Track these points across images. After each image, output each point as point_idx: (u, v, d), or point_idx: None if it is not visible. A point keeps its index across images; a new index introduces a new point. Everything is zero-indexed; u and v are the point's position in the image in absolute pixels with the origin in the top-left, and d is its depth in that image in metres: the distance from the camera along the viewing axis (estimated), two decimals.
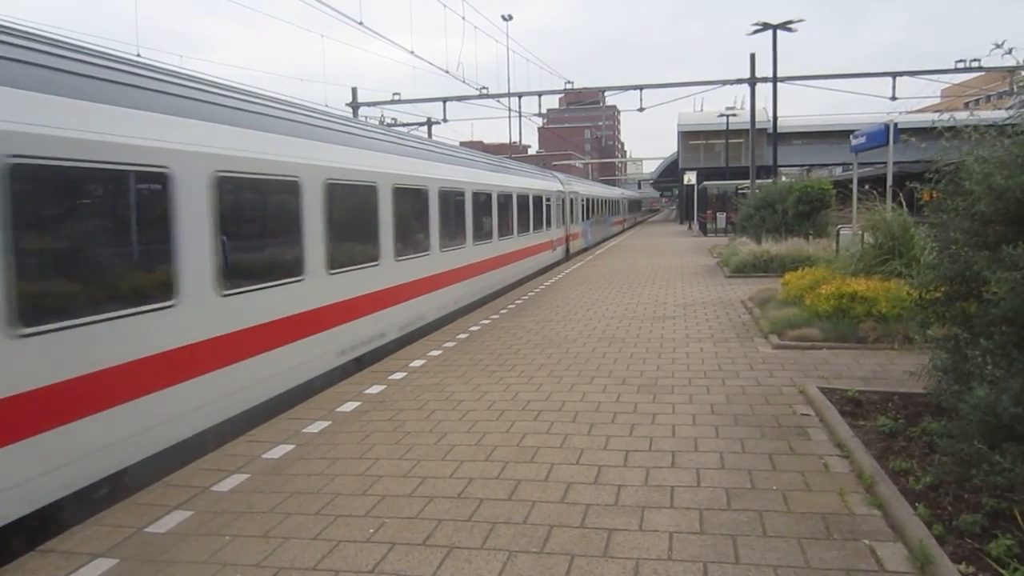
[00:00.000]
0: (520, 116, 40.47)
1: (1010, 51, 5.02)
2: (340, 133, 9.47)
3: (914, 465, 4.81)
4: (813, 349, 9.06)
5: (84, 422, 4.96)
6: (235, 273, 6.60)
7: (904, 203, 12.04)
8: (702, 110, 58.04)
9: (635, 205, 71.69)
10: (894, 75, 29.74)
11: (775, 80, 27.77)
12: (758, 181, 29.21)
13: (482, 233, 15.19)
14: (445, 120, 33.93)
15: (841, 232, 15.63)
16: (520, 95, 34.69)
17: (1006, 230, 4.62)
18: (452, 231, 13.11)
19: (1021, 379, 4.12)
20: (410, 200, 11.08)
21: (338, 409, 7.05)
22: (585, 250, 30.45)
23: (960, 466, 4.31)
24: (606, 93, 36.23)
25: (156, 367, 5.65)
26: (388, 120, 32.62)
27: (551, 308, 13.58)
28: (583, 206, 30.59)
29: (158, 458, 5.57)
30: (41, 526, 4.61)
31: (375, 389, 7.79)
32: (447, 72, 28.27)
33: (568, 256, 26.52)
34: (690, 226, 50.45)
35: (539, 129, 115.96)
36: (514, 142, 53.54)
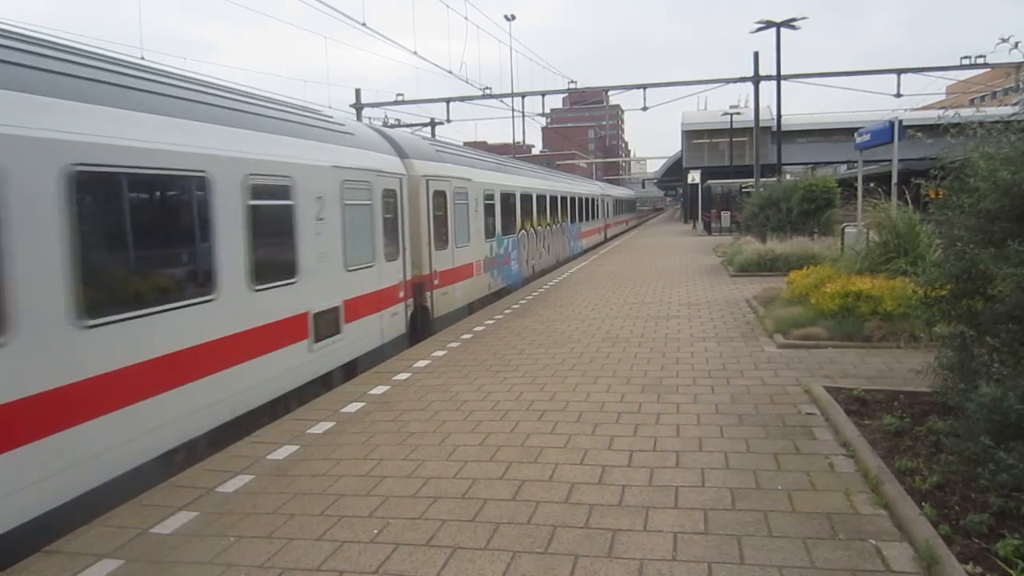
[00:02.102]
0: (523, 116, 40.51)
1: (1016, 45, 5.00)
2: None
3: (920, 464, 4.78)
4: (818, 348, 9.03)
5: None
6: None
7: (909, 200, 11.99)
8: (706, 109, 58.05)
9: (626, 206, 55.37)
10: (899, 72, 29.59)
11: (779, 78, 27.72)
12: (762, 180, 29.13)
13: None
14: (449, 121, 33.94)
15: (846, 230, 15.58)
16: (523, 95, 34.64)
17: (1012, 227, 4.60)
18: None
19: None
20: None
21: (342, 410, 7.05)
22: (502, 293, 16.14)
23: (967, 465, 4.30)
24: (609, 92, 36.26)
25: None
26: (392, 121, 32.53)
27: (555, 308, 13.57)
28: (492, 208, 15.96)
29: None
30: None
31: (379, 390, 7.79)
32: (450, 72, 28.27)
33: (420, 329, 11.41)
34: (694, 225, 50.40)
35: (543, 129, 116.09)
36: (518, 142, 53.51)
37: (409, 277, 11.03)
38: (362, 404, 7.25)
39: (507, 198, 17.45)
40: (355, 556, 4.07)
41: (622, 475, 5.11)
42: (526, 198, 19.51)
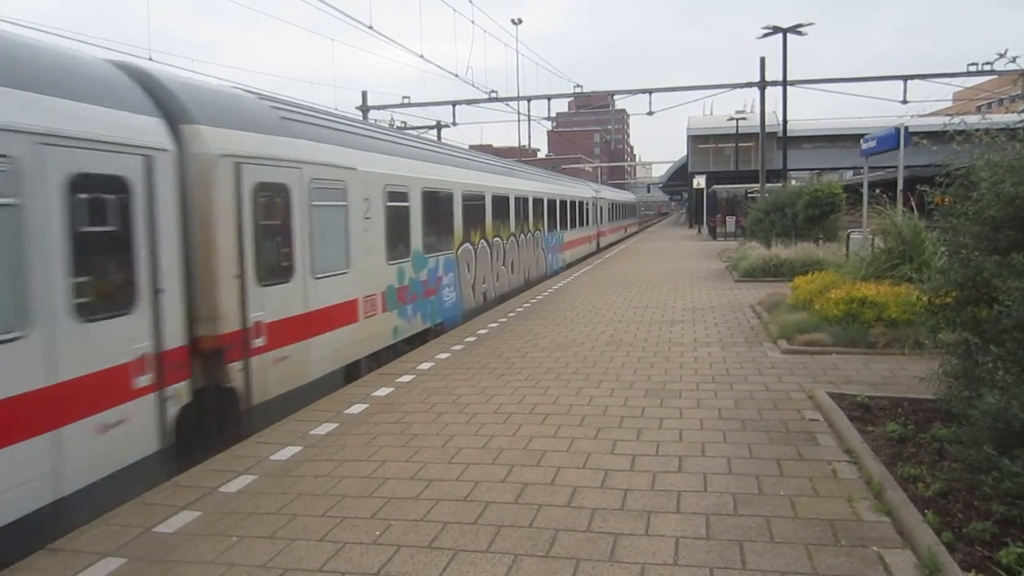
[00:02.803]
0: (529, 120, 40.51)
1: (1014, 60, 5.00)
2: None
3: (924, 471, 4.77)
4: (822, 354, 9.01)
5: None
6: None
7: (915, 207, 11.97)
8: (712, 114, 58.09)
9: (624, 210, 48.61)
10: (905, 78, 29.55)
11: (785, 83, 27.72)
12: (768, 185, 29.11)
13: None
14: (454, 124, 34.04)
15: (851, 236, 15.55)
16: (529, 99, 34.79)
17: (1016, 235, 4.60)
18: None
19: None
20: None
21: (346, 411, 7.07)
22: (427, 336, 11.41)
23: (970, 472, 4.29)
24: (615, 97, 36.19)
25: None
26: (398, 123, 32.64)
27: (559, 311, 13.57)
28: (405, 214, 10.79)
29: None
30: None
31: (382, 392, 7.81)
32: (456, 76, 28.38)
33: (223, 428, 6.55)
34: (699, 230, 50.35)
35: (548, 133, 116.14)
36: (523, 146, 53.60)
37: (178, 344, 6.02)
38: (365, 406, 7.26)
39: (437, 199, 12.29)
40: (357, 557, 4.08)
41: (624, 479, 5.11)
42: (473, 199, 14.37)
